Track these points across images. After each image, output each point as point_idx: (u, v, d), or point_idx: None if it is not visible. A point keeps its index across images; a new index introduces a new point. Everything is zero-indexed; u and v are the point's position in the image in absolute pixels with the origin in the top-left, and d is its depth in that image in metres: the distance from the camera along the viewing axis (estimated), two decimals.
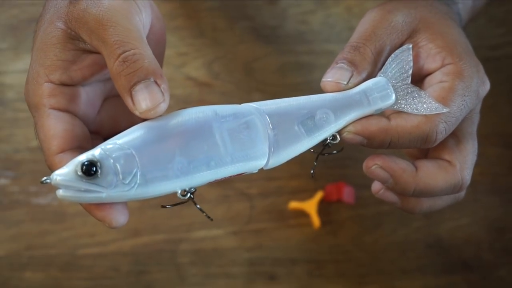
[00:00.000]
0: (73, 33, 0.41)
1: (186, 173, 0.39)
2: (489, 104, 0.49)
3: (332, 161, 0.73)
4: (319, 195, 0.71)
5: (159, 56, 0.48)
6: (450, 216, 0.73)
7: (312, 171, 0.45)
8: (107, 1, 0.41)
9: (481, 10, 0.59)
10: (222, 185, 0.72)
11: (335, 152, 0.45)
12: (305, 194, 0.72)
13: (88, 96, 0.44)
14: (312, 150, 0.44)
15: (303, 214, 0.72)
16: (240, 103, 0.43)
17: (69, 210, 0.71)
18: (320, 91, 0.45)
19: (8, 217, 0.71)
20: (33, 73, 0.42)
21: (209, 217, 0.43)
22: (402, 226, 0.72)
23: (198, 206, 0.41)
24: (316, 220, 0.71)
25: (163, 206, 0.42)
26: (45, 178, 0.37)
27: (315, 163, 0.45)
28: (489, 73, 0.48)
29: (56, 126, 0.41)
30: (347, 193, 0.71)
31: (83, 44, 0.42)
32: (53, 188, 0.37)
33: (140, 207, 0.71)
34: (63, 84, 0.42)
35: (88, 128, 0.44)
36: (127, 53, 0.39)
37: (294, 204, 0.72)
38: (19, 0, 0.77)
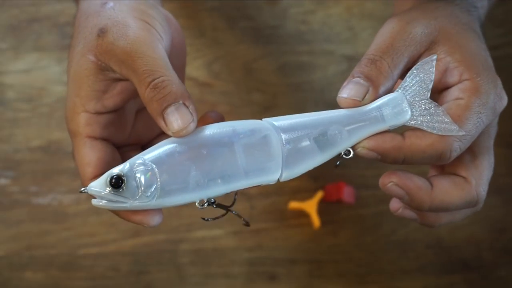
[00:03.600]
0: (103, 64, 0.45)
1: (202, 187, 0.43)
2: None
3: (332, 161, 0.73)
4: (319, 195, 0.71)
5: (181, 68, 0.52)
6: None
7: (337, 162, 0.46)
8: (131, 33, 0.44)
9: (490, 11, 0.58)
10: None
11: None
12: (305, 194, 0.72)
13: (121, 117, 0.48)
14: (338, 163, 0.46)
15: (303, 214, 0.72)
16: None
17: (69, 210, 0.71)
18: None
19: (8, 217, 0.71)
20: (70, 103, 0.46)
21: (246, 223, 0.47)
22: (402, 226, 0.72)
23: (234, 212, 0.46)
24: (316, 220, 0.71)
25: (203, 219, 0.47)
26: (83, 188, 0.43)
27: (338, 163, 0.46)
28: None
29: (90, 154, 0.45)
30: (347, 193, 0.71)
31: (113, 74, 0.45)
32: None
33: None
34: (98, 113, 0.46)
35: (126, 142, 0.49)
36: (156, 80, 0.42)
37: (294, 204, 0.72)
38: (19, 0, 0.77)
